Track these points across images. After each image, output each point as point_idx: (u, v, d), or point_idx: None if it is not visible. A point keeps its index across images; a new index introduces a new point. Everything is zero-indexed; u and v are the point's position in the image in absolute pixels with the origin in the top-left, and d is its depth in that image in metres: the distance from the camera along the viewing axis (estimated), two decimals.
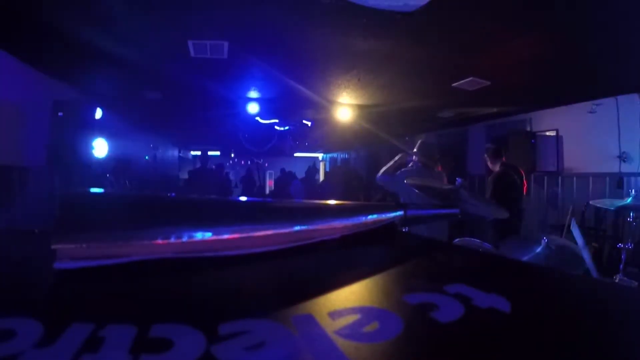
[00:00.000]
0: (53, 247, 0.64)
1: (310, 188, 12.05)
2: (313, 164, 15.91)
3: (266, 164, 18.43)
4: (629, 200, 3.99)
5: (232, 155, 18.24)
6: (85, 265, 0.64)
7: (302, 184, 12.55)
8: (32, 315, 0.48)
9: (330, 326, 0.48)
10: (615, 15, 3.89)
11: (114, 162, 6.66)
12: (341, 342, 0.45)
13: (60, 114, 5.67)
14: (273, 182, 18.27)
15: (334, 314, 0.52)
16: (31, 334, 0.44)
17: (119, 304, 0.57)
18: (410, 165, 4.90)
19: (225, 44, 4.85)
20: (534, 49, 4.78)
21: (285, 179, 15.43)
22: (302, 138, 13.40)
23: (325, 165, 22.29)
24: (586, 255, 3.16)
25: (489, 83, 6.18)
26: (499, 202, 4.96)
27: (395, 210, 1.11)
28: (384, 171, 4.71)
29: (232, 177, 15.63)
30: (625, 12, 3.82)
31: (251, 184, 13.99)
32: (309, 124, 9.79)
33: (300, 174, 14.65)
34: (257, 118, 9.05)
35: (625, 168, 6.52)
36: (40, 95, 5.75)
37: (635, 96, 6.30)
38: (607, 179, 6.75)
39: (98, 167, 6.57)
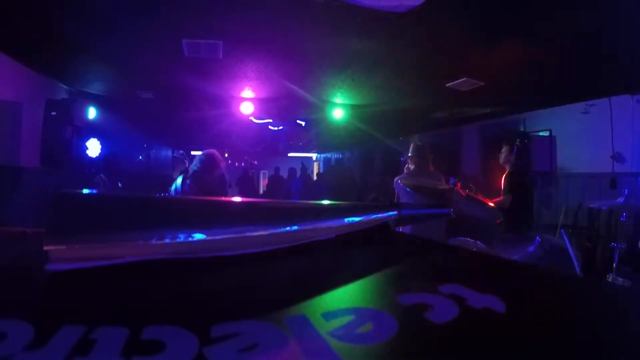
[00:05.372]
0: (45, 248, 0.63)
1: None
2: (302, 165, 15.76)
3: (257, 163, 18.37)
4: (621, 200, 4.01)
5: (227, 155, 18.22)
6: (77, 267, 0.64)
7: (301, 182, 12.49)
8: (23, 317, 0.48)
9: (324, 327, 0.48)
10: (608, 17, 3.91)
11: (106, 162, 6.62)
12: (335, 343, 0.44)
13: (53, 113, 5.65)
14: (267, 182, 18.23)
15: (328, 315, 0.52)
16: (22, 336, 0.44)
17: (111, 305, 0.56)
18: (405, 167, 4.99)
19: (220, 44, 4.84)
20: (528, 50, 4.80)
21: (279, 179, 15.43)
22: (296, 138, 13.39)
23: (319, 165, 22.29)
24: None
25: (482, 83, 6.20)
26: (513, 199, 5.04)
27: (389, 210, 1.11)
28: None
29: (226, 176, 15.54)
30: (618, 15, 3.85)
31: (248, 185, 13.95)
32: (303, 123, 9.78)
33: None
34: (251, 118, 9.04)
35: (619, 168, 6.55)
36: (33, 94, 5.72)
37: (628, 97, 6.34)
38: (600, 179, 6.78)
39: (91, 167, 6.55)
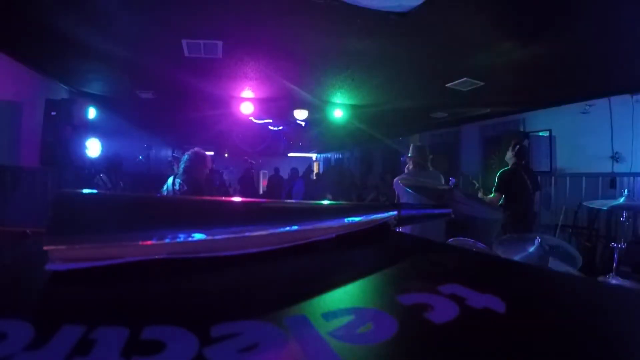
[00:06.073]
0: (45, 248, 0.63)
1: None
2: (309, 166, 15.77)
3: (260, 160, 18.40)
4: (621, 200, 4.01)
5: (226, 155, 18.22)
6: (77, 267, 0.64)
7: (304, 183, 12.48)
8: (23, 317, 0.48)
9: (324, 327, 0.48)
10: (607, 18, 3.91)
11: (107, 162, 6.62)
12: (335, 344, 0.44)
13: (53, 113, 5.65)
14: (267, 182, 18.23)
15: (328, 315, 0.52)
16: (22, 336, 0.44)
17: (111, 305, 0.56)
18: (405, 168, 5.03)
19: (219, 44, 4.85)
20: (528, 50, 4.80)
21: (279, 179, 15.43)
22: (295, 138, 13.39)
23: (319, 165, 22.30)
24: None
25: (482, 83, 6.20)
26: (505, 199, 5.04)
27: (389, 210, 1.11)
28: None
29: (225, 177, 15.57)
30: (617, 16, 3.85)
31: (249, 185, 13.95)
32: (303, 124, 9.79)
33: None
34: (251, 118, 9.05)
35: (618, 168, 6.56)
36: (33, 94, 5.73)
37: (627, 97, 6.35)
38: (600, 179, 6.79)
39: (91, 167, 6.55)
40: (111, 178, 6.41)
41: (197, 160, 4.65)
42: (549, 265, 3.14)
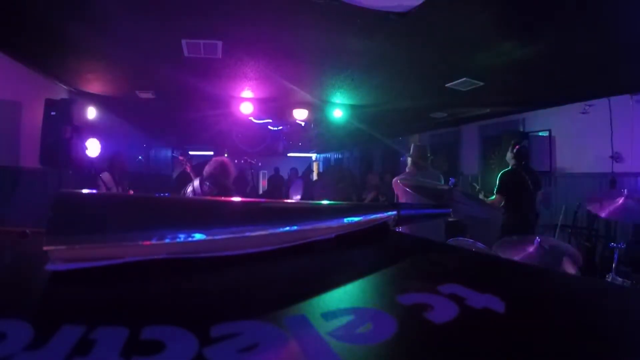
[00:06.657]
0: (45, 248, 0.63)
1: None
2: (308, 166, 15.77)
3: (259, 163, 18.37)
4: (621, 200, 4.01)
5: (226, 155, 18.19)
6: (77, 267, 0.64)
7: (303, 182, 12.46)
8: (23, 317, 0.48)
9: (324, 327, 0.48)
10: (607, 18, 3.91)
11: (111, 162, 6.62)
12: (334, 344, 0.44)
13: (52, 113, 5.64)
14: (266, 182, 18.19)
15: (328, 315, 0.52)
16: (21, 336, 0.44)
17: (111, 305, 0.56)
18: (407, 169, 5.05)
19: (219, 44, 4.84)
20: (528, 50, 4.80)
21: (279, 179, 15.41)
22: (295, 138, 13.38)
23: (319, 165, 22.29)
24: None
25: (482, 84, 6.20)
26: (506, 200, 5.04)
27: (388, 210, 1.11)
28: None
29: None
30: (616, 16, 3.85)
31: (246, 186, 13.90)
32: (303, 123, 9.79)
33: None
34: (251, 118, 9.04)
35: (618, 168, 6.56)
36: (32, 94, 5.72)
37: (627, 97, 6.35)
38: (600, 179, 6.78)
39: (91, 167, 6.54)
40: (114, 178, 6.40)
41: (224, 168, 4.71)
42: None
